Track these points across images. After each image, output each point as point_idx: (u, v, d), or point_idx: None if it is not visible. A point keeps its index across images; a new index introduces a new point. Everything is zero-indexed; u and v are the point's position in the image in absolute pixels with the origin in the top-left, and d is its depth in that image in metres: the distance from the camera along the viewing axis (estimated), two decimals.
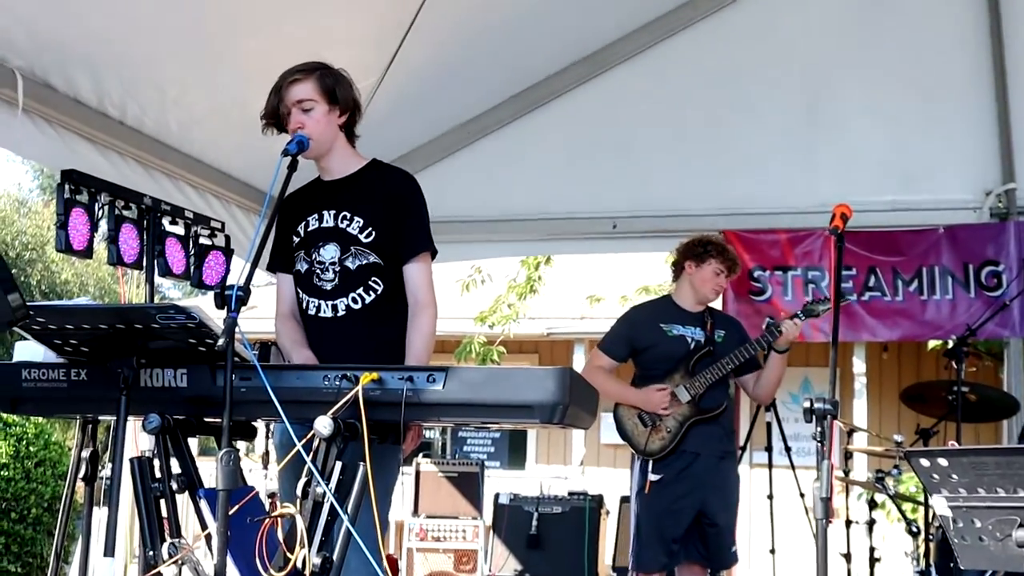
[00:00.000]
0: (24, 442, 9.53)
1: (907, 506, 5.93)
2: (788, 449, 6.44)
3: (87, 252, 4.48)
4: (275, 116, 3.75)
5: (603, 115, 6.88)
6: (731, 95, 6.73)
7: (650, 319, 5.42)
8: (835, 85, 6.63)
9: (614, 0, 6.49)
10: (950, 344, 5.90)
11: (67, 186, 4.42)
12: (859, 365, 11.38)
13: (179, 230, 5.05)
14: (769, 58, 6.70)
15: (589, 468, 12.67)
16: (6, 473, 9.21)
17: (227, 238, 5.30)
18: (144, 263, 4.78)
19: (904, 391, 6.25)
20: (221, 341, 2.84)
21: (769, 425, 6.53)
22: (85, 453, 3.55)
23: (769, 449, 6.55)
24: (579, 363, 12.36)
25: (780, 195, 6.65)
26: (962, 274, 6.40)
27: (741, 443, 6.07)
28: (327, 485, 2.93)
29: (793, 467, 6.49)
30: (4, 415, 9.37)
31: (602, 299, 11.01)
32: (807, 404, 3.16)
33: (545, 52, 6.71)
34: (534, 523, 7.55)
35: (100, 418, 3.50)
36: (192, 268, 5.05)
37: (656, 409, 5.22)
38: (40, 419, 10.40)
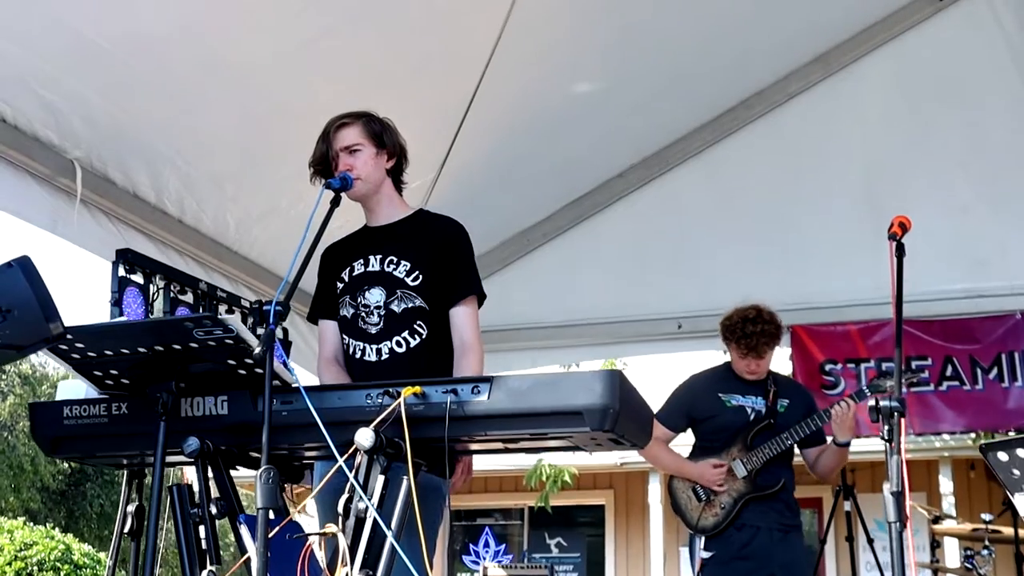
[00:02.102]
0: None
1: None
2: (871, 541, 6.14)
3: None
4: (323, 163, 3.77)
5: (663, 216, 6.85)
6: (791, 190, 6.67)
7: (708, 388, 5.25)
8: (896, 174, 6.53)
9: (668, 102, 6.50)
10: None
11: (122, 265, 4.44)
12: (946, 485, 10.98)
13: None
14: (827, 152, 6.66)
15: None
16: None
17: (285, 331, 5.26)
18: None
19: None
20: (258, 350, 2.78)
21: (849, 515, 6.24)
22: (131, 508, 3.45)
23: (851, 540, 6.25)
24: (655, 495, 12.06)
25: (848, 288, 6.50)
26: None
27: (823, 535, 5.80)
28: (369, 500, 2.81)
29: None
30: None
31: None
32: (872, 403, 3.01)
33: (602, 156, 6.73)
34: None
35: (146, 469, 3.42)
36: None
37: (711, 485, 5.03)
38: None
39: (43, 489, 22.05)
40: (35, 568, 9.18)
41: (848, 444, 5.09)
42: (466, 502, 14.03)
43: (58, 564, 9.28)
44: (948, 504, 10.87)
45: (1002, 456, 2.64)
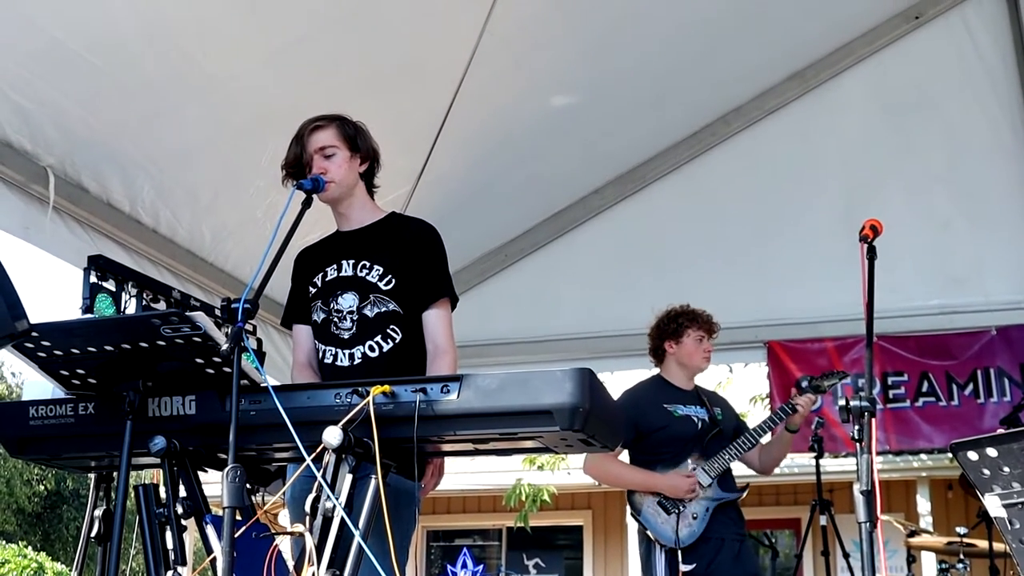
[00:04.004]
0: None
1: None
2: (847, 556, 6.13)
3: None
4: (296, 165, 3.75)
5: (641, 231, 6.87)
6: (769, 206, 6.70)
7: (653, 400, 5.16)
8: (874, 191, 6.54)
9: (646, 117, 6.52)
10: None
11: (94, 272, 4.40)
12: (924, 505, 10.99)
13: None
14: (805, 168, 6.70)
15: None
16: None
17: (259, 341, 5.22)
18: None
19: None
20: (225, 346, 2.75)
21: (825, 530, 6.22)
22: (98, 512, 3.41)
23: (826, 554, 6.24)
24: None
25: (824, 304, 6.51)
26: (1019, 375, 6.19)
27: (799, 549, 5.79)
28: (336, 500, 2.78)
29: None
30: None
31: None
32: (843, 402, 3.00)
33: (580, 171, 6.74)
34: None
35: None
36: None
37: (684, 496, 4.94)
38: None
39: (19, 512, 21.86)
40: None
41: (797, 431, 5.25)
42: (444, 523, 13.96)
43: None
44: (926, 524, 10.82)
45: (972, 455, 2.63)
